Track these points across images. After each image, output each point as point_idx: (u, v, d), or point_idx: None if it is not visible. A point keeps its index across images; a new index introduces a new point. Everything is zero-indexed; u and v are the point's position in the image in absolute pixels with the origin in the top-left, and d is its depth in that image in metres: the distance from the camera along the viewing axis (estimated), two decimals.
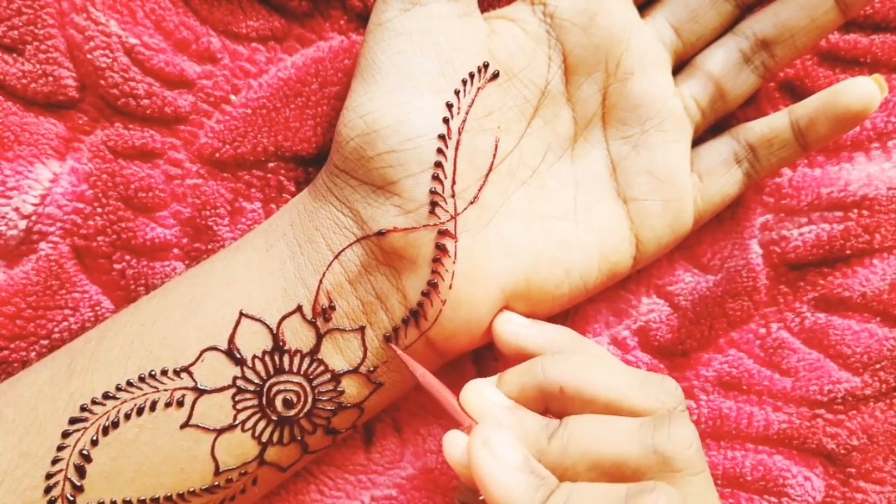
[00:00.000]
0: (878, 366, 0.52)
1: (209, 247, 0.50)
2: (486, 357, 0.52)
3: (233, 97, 0.49)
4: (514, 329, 0.45)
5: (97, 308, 0.49)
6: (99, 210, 0.48)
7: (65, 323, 0.49)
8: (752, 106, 0.51)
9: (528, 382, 0.41)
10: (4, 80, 0.47)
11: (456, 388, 0.51)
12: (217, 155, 0.49)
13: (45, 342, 0.49)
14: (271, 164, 0.49)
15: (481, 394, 0.41)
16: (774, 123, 0.47)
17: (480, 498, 0.38)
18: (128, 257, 0.49)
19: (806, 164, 0.51)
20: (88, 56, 0.47)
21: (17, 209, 0.47)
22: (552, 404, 0.41)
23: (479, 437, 0.37)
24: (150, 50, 0.47)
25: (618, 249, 0.47)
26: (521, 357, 0.44)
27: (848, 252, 0.51)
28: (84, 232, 0.49)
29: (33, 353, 0.49)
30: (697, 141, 0.49)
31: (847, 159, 0.52)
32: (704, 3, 0.47)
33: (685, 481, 0.36)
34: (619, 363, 0.43)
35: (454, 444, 0.39)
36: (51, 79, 0.47)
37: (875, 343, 0.52)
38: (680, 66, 0.49)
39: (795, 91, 0.51)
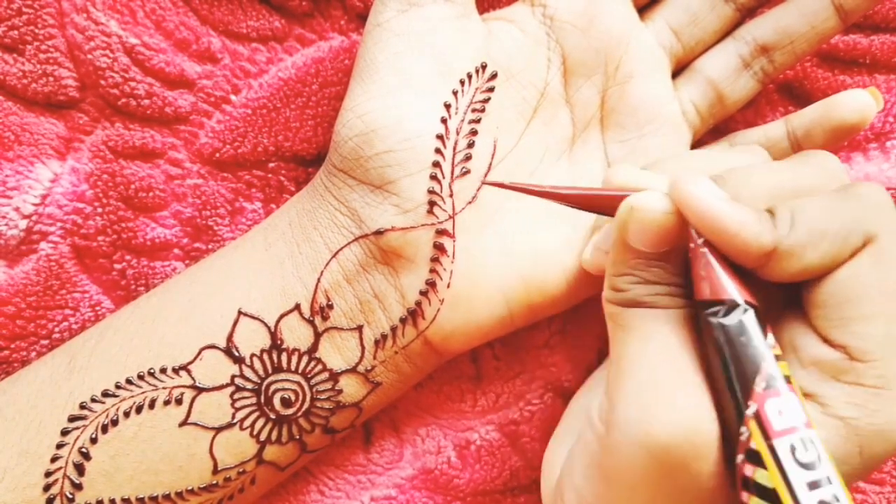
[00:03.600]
0: None
1: (209, 247, 0.50)
2: (486, 357, 0.52)
3: (233, 97, 0.49)
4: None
5: (97, 308, 0.49)
6: (99, 210, 0.49)
7: (65, 323, 0.49)
8: (752, 108, 0.51)
9: None
10: (4, 80, 0.47)
11: (454, 388, 0.51)
12: (217, 155, 0.49)
13: (45, 342, 0.49)
14: (271, 164, 0.50)
15: (632, 171, 0.40)
16: (771, 132, 0.47)
17: (700, 241, 0.35)
18: (128, 257, 0.49)
19: None
20: (89, 56, 0.47)
21: (17, 209, 0.48)
22: None
23: (686, 177, 0.35)
24: (151, 50, 0.48)
25: None
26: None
27: None
28: (84, 232, 0.49)
29: (33, 353, 0.49)
30: (695, 145, 0.49)
31: (845, 159, 0.52)
32: (704, 7, 0.47)
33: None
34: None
35: (650, 199, 0.36)
36: (51, 79, 0.47)
37: None
38: (679, 69, 0.49)
39: (794, 93, 0.51)
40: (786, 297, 0.37)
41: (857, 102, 0.44)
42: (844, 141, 0.47)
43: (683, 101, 0.48)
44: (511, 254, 0.45)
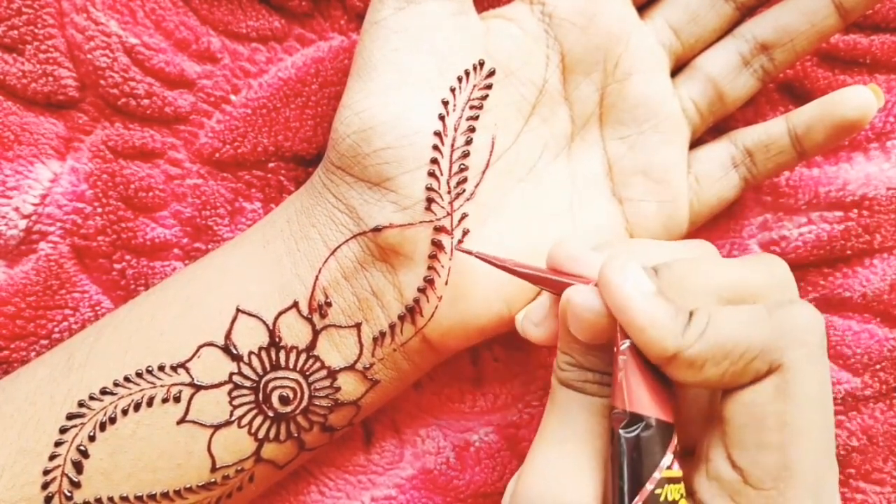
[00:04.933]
0: (878, 366, 0.51)
1: (209, 247, 0.50)
2: (485, 357, 0.52)
3: (233, 97, 0.49)
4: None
5: (97, 308, 0.49)
6: (99, 210, 0.49)
7: (65, 323, 0.49)
8: (752, 107, 0.51)
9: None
10: (4, 80, 0.47)
11: (454, 389, 0.51)
12: (217, 155, 0.49)
13: (45, 342, 0.49)
14: (271, 164, 0.50)
15: (576, 246, 0.40)
16: (772, 129, 0.47)
17: (623, 346, 0.35)
18: (128, 257, 0.49)
19: (803, 164, 0.51)
20: (88, 56, 0.47)
21: (17, 209, 0.48)
22: None
23: (615, 264, 0.35)
24: (151, 50, 0.48)
25: None
26: None
27: (848, 252, 0.51)
28: (84, 232, 0.49)
29: (33, 353, 0.49)
30: (695, 143, 0.49)
31: (846, 159, 0.52)
32: (704, 5, 0.47)
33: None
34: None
35: (584, 295, 0.36)
36: (51, 79, 0.47)
37: (875, 344, 0.51)
38: (679, 67, 0.49)
39: (795, 92, 0.51)
40: None
41: (858, 99, 0.44)
42: (845, 139, 0.46)
43: (683, 98, 0.48)
44: (509, 250, 0.45)
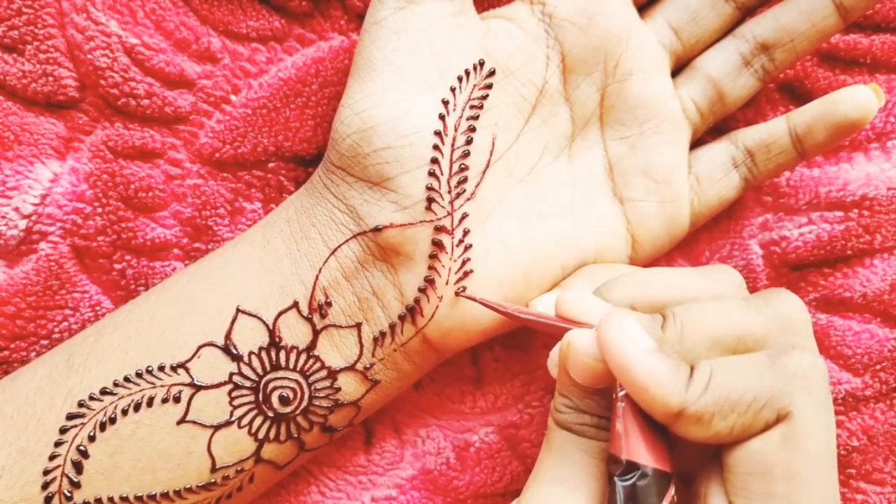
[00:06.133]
0: (878, 366, 0.51)
1: (209, 247, 0.50)
2: (485, 357, 0.52)
3: (233, 97, 0.49)
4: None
5: (97, 308, 0.49)
6: (99, 210, 0.49)
7: (65, 323, 0.49)
8: (752, 107, 0.51)
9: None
10: (4, 80, 0.47)
11: (454, 389, 0.51)
12: (217, 155, 0.49)
13: (45, 342, 0.49)
14: (271, 164, 0.50)
15: (581, 298, 0.40)
16: (772, 129, 0.48)
17: (621, 393, 0.35)
18: (128, 257, 0.49)
19: (804, 164, 0.51)
20: (88, 56, 0.47)
21: (17, 209, 0.48)
22: None
23: (613, 321, 0.35)
24: (151, 50, 0.48)
25: (614, 249, 0.47)
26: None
27: (849, 252, 0.51)
28: (84, 232, 0.49)
29: (33, 353, 0.49)
30: (696, 143, 0.49)
31: (846, 159, 0.52)
32: (704, 5, 0.47)
33: (805, 343, 0.36)
34: (668, 268, 0.42)
35: (584, 340, 0.36)
36: (51, 79, 0.47)
37: (876, 344, 0.51)
38: (679, 68, 0.49)
39: (795, 92, 0.51)
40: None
41: (858, 98, 0.44)
42: (846, 138, 0.46)
43: (684, 98, 0.48)
44: (510, 251, 0.45)
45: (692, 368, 0.34)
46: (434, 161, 0.42)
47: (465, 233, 0.43)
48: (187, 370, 0.42)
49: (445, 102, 0.43)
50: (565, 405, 0.38)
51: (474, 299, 0.43)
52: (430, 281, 0.43)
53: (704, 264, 0.52)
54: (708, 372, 0.34)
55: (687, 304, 0.37)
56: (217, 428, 0.43)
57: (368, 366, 0.44)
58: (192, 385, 0.42)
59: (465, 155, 0.43)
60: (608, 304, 0.39)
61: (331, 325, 0.43)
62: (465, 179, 0.43)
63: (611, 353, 0.34)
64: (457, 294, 0.44)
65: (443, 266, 0.43)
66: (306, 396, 0.44)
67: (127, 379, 0.42)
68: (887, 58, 0.51)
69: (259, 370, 0.43)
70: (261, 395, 0.43)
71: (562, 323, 0.39)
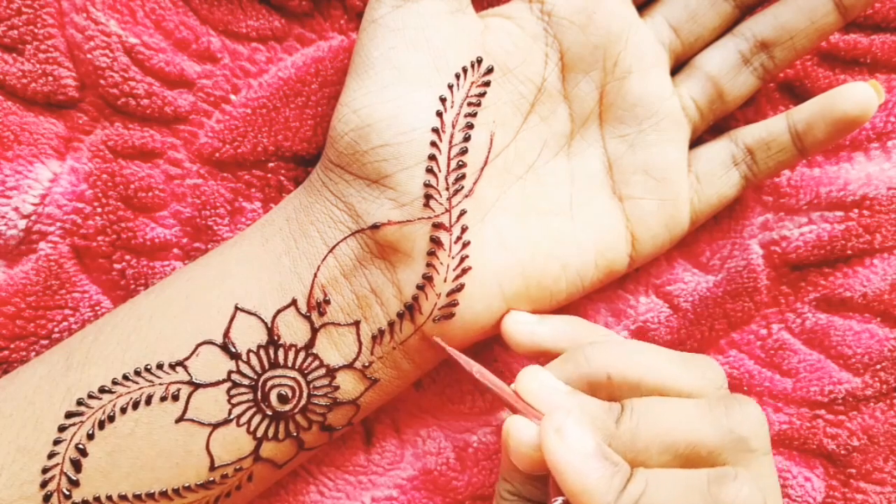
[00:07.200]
0: (878, 366, 0.51)
1: (209, 247, 0.50)
2: (485, 358, 0.52)
3: (233, 97, 0.49)
4: (526, 328, 0.45)
5: (97, 308, 0.49)
6: (99, 210, 0.49)
7: (65, 323, 0.49)
8: (752, 106, 0.51)
9: (573, 373, 0.41)
10: (4, 79, 0.47)
11: (454, 390, 0.51)
12: (217, 155, 0.49)
13: (45, 342, 0.49)
14: (271, 164, 0.50)
15: (540, 380, 0.41)
16: (772, 127, 0.47)
17: (564, 496, 0.36)
18: (128, 257, 0.49)
19: (805, 164, 0.51)
20: (88, 56, 0.47)
21: (16, 209, 0.48)
22: (598, 393, 0.40)
23: (551, 424, 0.36)
24: (150, 50, 0.48)
25: (614, 247, 0.47)
26: (537, 355, 0.44)
27: (849, 252, 0.51)
28: (84, 232, 0.49)
29: (33, 353, 0.49)
30: (696, 142, 0.49)
31: (846, 159, 0.51)
32: (704, 3, 0.47)
33: (759, 461, 0.37)
34: (654, 346, 0.43)
35: (522, 431, 0.38)
36: (51, 78, 0.47)
37: (876, 343, 0.51)
38: (679, 66, 0.49)
39: (795, 91, 0.51)
40: None
41: (858, 95, 0.44)
42: (846, 135, 0.46)
43: (683, 96, 0.48)
44: (509, 248, 0.45)
45: (631, 474, 0.35)
46: (432, 158, 0.42)
47: (464, 230, 0.43)
48: (186, 368, 0.42)
49: (443, 100, 0.43)
50: (508, 491, 0.41)
51: (445, 348, 0.44)
52: (428, 278, 0.43)
53: (706, 265, 0.52)
54: (642, 485, 0.35)
55: (649, 400, 0.39)
56: (216, 426, 0.42)
57: (367, 364, 0.44)
58: (190, 383, 0.42)
59: (463, 152, 0.43)
60: (566, 391, 0.40)
61: (329, 324, 0.43)
62: (463, 176, 0.43)
63: (548, 454, 0.36)
64: (426, 339, 0.44)
65: (441, 263, 0.43)
66: (305, 395, 0.44)
67: (126, 377, 0.42)
68: (887, 57, 0.51)
69: (258, 368, 0.43)
70: (259, 394, 0.43)
71: (515, 402, 0.40)
